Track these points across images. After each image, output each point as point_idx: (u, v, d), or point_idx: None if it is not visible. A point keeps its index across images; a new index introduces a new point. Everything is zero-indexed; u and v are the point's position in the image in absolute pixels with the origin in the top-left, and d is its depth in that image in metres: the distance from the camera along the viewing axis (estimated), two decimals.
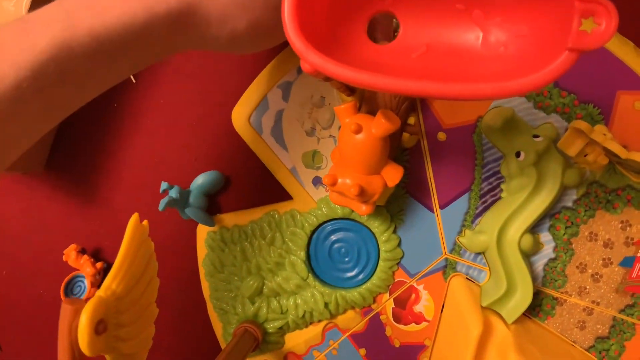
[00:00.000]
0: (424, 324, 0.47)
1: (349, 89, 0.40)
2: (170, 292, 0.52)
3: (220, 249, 0.49)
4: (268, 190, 0.49)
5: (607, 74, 0.40)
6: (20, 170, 0.50)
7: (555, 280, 0.44)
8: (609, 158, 0.39)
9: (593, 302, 0.43)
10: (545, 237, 0.43)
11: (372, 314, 0.48)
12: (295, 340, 0.50)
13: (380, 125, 0.35)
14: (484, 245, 0.43)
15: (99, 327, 0.26)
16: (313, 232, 0.47)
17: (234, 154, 0.49)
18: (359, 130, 0.36)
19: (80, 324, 0.26)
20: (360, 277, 0.47)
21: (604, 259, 0.43)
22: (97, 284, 0.52)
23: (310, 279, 0.47)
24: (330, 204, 0.46)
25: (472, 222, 0.45)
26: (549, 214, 0.43)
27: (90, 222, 0.53)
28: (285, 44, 0.45)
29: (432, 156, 0.44)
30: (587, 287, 0.43)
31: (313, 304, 0.47)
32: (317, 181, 0.47)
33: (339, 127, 0.44)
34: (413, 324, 0.47)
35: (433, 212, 0.45)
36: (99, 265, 0.52)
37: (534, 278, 0.43)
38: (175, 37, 0.29)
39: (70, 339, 0.26)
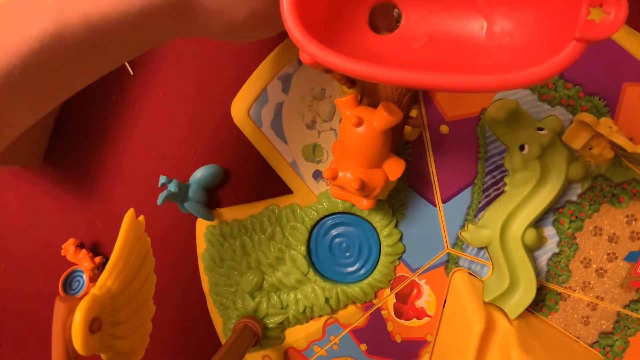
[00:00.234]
0: (426, 319, 0.47)
1: (350, 81, 0.40)
2: (170, 287, 0.52)
3: (219, 243, 0.49)
4: (268, 184, 0.48)
5: (613, 66, 0.39)
6: (18, 163, 0.49)
7: (559, 275, 0.43)
8: (615, 151, 0.38)
9: (597, 297, 0.43)
10: (549, 231, 0.43)
11: (373, 309, 0.48)
12: (295, 335, 0.50)
13: (381, 118, 0.34)
14: (487, 239, 0.42)
15: (94, 326, 0.26)
16: (314, 226, 0.47)
17: (233, 148, 0.48)
18: (360, 123, 0.35)
19: (74, 323, 0.25)
20: (362, 272, 0.47)
21: (608, 254, 0.42)
22: (95, 279, 0.52)
23: (311, 273, 0.47)
24: (331, 198, 0.45)
25: (475, 216, 0.44)
26: (553, 208, 0.42)
27: (88, 216, 0.52)
28: (285, 34, 0.44)
29: (435, 149, 0.44)
30: (592, 282, 0.43)
31: (314, 299, 0.47)
32: (317, 175, 0.46)
33: (340, 120, 0.43)
34: (415, 319, 0.47)
35: (435, 206, 0.45)
36: (97, 259, 0.52)
37: (537, 273, 0.42)
38: (172, 25, 0.28)
39: (64, 338, 0.26)
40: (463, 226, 0.44)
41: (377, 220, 0.45)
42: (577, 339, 0.44)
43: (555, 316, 0.44)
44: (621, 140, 0.35)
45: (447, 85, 0.23)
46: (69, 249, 0.51)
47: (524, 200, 0.41)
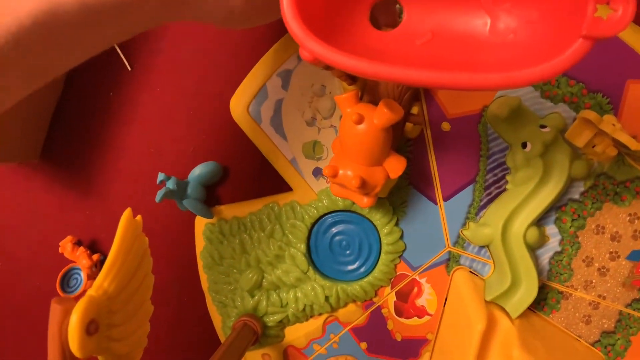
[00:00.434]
0: (427, 317, 0.46)
1: (351, 78, 0.39)
2: (168, 285, 0.51)
3: (218, 241, 0.48)
4: (267, 181, 0.48)
5: (616, 63, 0.39)
6: (15, 160, 0.49)
7: (561, 274, 0.43)
8: (618, 149, 0.38)
9: (599, 296, 0.43)
10: (551, 229, 0.42)
11: (373, 308, 0.47)
12: (295, 333, 0.49)
13: (382, 116, 0.34)
14: (489, 238, 0.42)
15: (90, 328, 0.25)
16: (313, 224, 0.46)
17: (232, 145, 0.48)
18: (360, 120, 0.35)
19: (70, 325, 0.25)
20: (362, 270, 0.46)
21: (610, 253, 0.42)
22: (93, 277, 0.51)
23: (311, 272, 0.47)
24: (331, 195, 0.45)
25: (477, 214, 0.44)
26: (555, 206, 0.42)
27: (86, 214, 0.52)
28: (284, 29, 0.44)
29: (436, 147, 0.43)
30: (593, 280, 0.42)
31: (313, 297, 0.46)
32: (317, 172, 0.46)
33: (340, 117, 0.43)
34: (415, 317, 0.47)
35: (436, 204, 0.44)
36: (95, 257, 0.51)
37: (539, 272, 0.42)
38: (169, 8, 0.28)
39: (60, 340, 0.25)
40: (464, 224, 0.44)
41: (377, 218, 0.45)
42: (578, 338, 0.44)
43: (556, 315, 0.44)
44: (624, 138, 0.34)
45: (451, 84, 0.22)
46: (66, 246, 0.51)
47: (526, 198, 0.40)
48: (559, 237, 0.42)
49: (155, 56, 0.47)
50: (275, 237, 0.47)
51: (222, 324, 0.50)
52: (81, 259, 0.51)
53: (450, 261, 0.45)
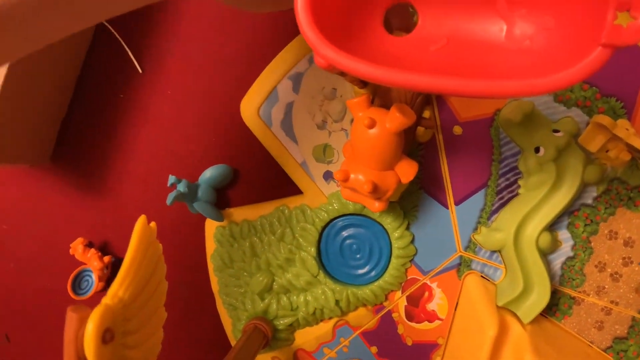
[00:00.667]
0: (437, 322, 0.46)
1: (362, 82, 0.39)
2: (179, 288, 0.51)
3: (229, 244, 0.48)
4: (278, 184, 0.48)
5: (631, 67, 0.39)
6: (26, 162, 0.49)
7: (573, 279, 0.43)
8: (632, 154, 0.37)
9: (612, 302, 0.42)
10: (563, 234, 0.42)
11: (384, 312, 0.47)
12: (305, 337, 0.49)
13: (394, 120, 0.34)
14: (501, 243, 0.42)
15: (106, 336, 0.25)
16: (324, 227, 0.46)
17: (242, 147, 0.48)
18: (372, 124, 0.35)
19: (86, 334, 0.25)
20: (372, 274, 0.46)
21: (623, 258, 0.41)
22: (104, 278, 0.51)
23: (321, 275, 0.46)
24: (342, 199, 0.45)
25: (488, 219, 0.43)
26: (568, 211, 0.41)
27: (96, 215, 0.52)
28: (295, 32, 0.43)
29: (448, 151, 0.43)
30: (606, 286, 0.42)
31: (324, 301, 0.46)
32: (328, 176, 0.46)
33: (351, 120, 0.43)
34: (426, 322, 0.46)
35: (448, 208, 0.44)
36: (106, 259, 0.51)
37: (551, 277, 0.42)
38: None
39: (76, 348, 0.25)
40: (476, 229, 0.44)
41: (388, 222, 0.44)
42: (590, 344, 0.43)
43: (568, 320, 0.43)
44: (638, 143, 0.34)
45: (467, 91, 0.22)
46: (77, 248, 0.51)
47: (538, 203, 0.40)
48: (571, 242, 0.42)
49: (166, 58, 0.47)
50: (285, 241, 0.47)
51: (232, 326, 0.50)
52: (92, 261, 0.51)
53: (462, 266, 0.45)
